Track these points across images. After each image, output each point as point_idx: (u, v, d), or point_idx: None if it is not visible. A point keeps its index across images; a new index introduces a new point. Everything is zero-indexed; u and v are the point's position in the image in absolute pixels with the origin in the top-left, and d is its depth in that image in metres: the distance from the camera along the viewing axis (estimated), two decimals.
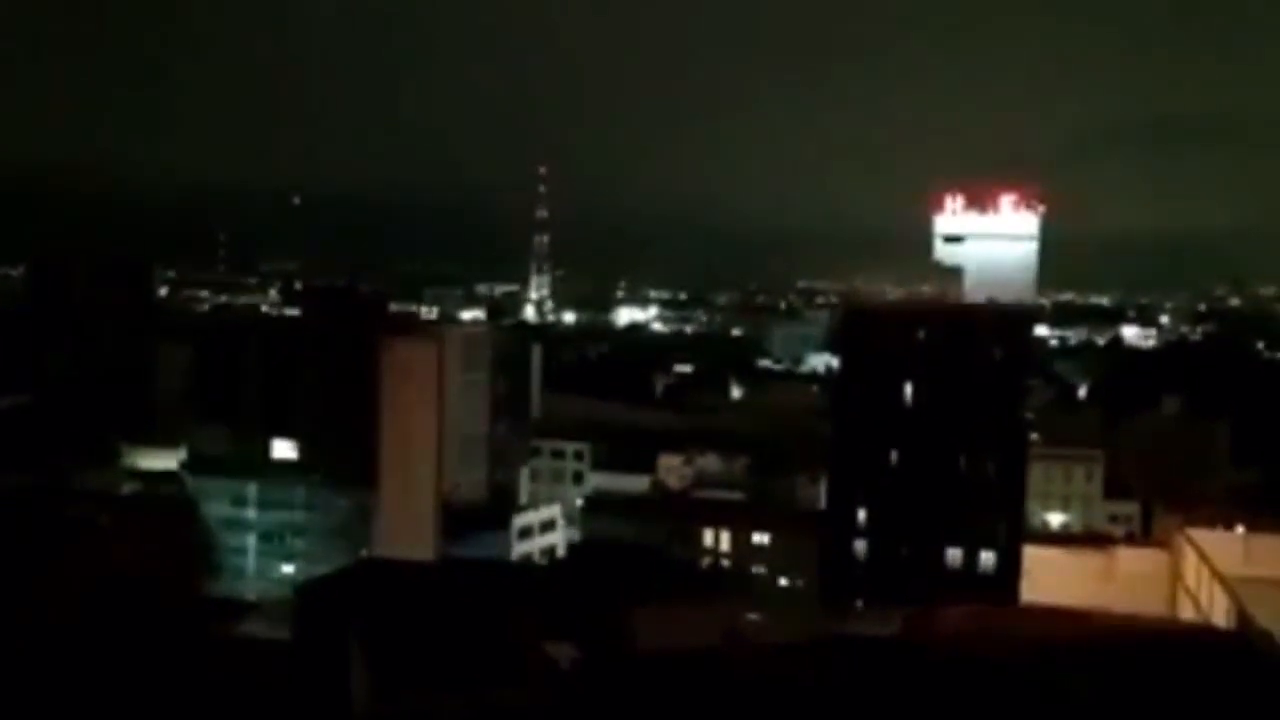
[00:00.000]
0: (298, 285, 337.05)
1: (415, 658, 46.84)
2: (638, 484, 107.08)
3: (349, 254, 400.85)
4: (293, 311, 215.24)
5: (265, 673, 60.17)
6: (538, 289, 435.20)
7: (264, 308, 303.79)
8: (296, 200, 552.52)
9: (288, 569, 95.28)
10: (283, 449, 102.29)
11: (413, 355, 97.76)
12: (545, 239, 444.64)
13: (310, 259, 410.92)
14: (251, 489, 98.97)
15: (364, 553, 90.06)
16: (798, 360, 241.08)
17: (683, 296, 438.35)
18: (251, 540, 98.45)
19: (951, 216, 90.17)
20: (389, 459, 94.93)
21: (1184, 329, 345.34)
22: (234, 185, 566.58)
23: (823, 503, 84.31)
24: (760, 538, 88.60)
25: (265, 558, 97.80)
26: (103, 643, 64.38)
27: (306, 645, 60.82)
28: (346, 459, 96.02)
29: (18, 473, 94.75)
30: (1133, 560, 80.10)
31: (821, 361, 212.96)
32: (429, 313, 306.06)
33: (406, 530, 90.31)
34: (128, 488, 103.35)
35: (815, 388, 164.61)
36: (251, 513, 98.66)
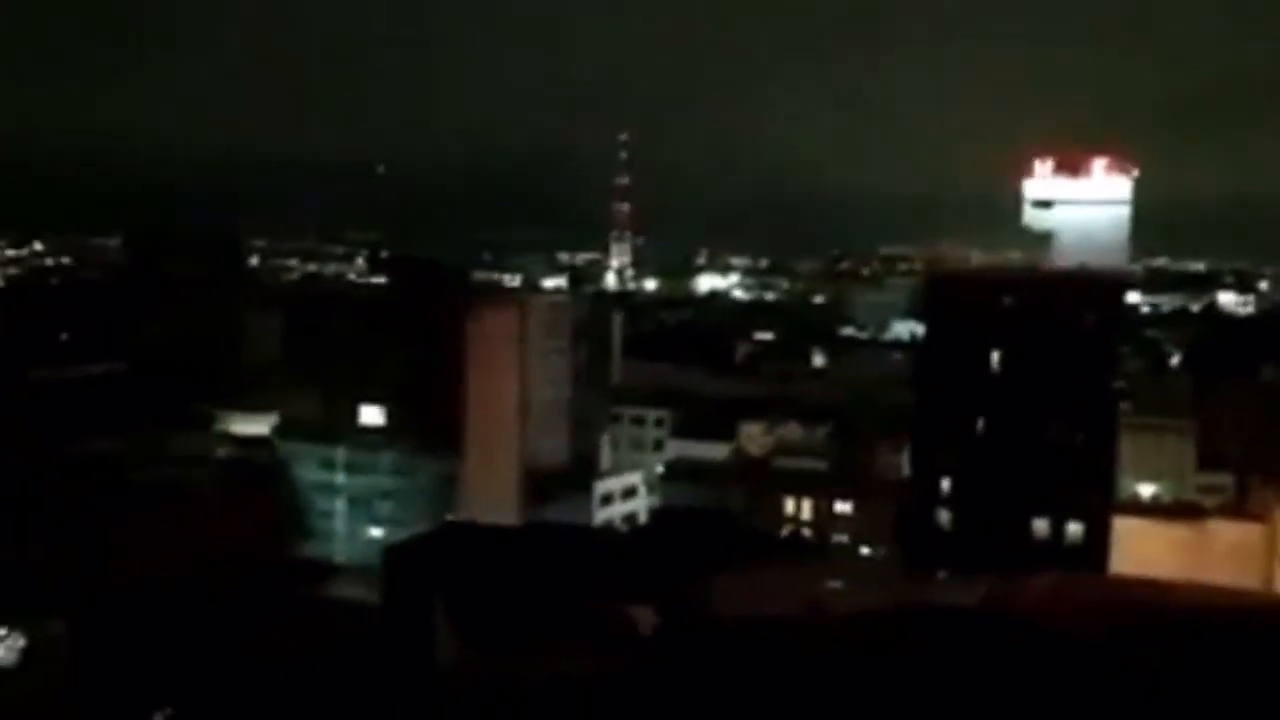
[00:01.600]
0: (383, 254, 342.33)
1: (499, 620, 47.61)
2: (718, 452, 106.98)
3: (434, 223, 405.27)
4: (379, 280, 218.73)
5: (353, 634, 61.66)
6: (619, 256, 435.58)
7: (351, 276, 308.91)
8: (381, 169, 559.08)
9: (375, 532, 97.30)
10: (370, 415, 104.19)
11: (496, 323, 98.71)
12: (626, 206, 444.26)
13: (395, 228, 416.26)
14: (340, 454, 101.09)
15: (449, 517, 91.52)
16: (881, 327, 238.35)
17: (764, 263, 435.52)
18: (340, 504, 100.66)
19: (1041, 181, 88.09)
20: (473, 425, 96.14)
21: None
22: (320, 155, 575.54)
23: (905, 472, 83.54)
24: (842, 506, 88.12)
25: (353, 521, 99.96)
26: (196, 604, 66.40)
27: (393, 607, 62.15)
28: (432, 425, 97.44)
29: (114, 438, 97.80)
30: (1227, 533, 78.23)
31: (906, 329, 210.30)
32: (511, 281, 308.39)
33: (490, 495, 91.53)
34: (221, 452, 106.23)
35: (899, 355, 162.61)
36: (340, 477, 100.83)
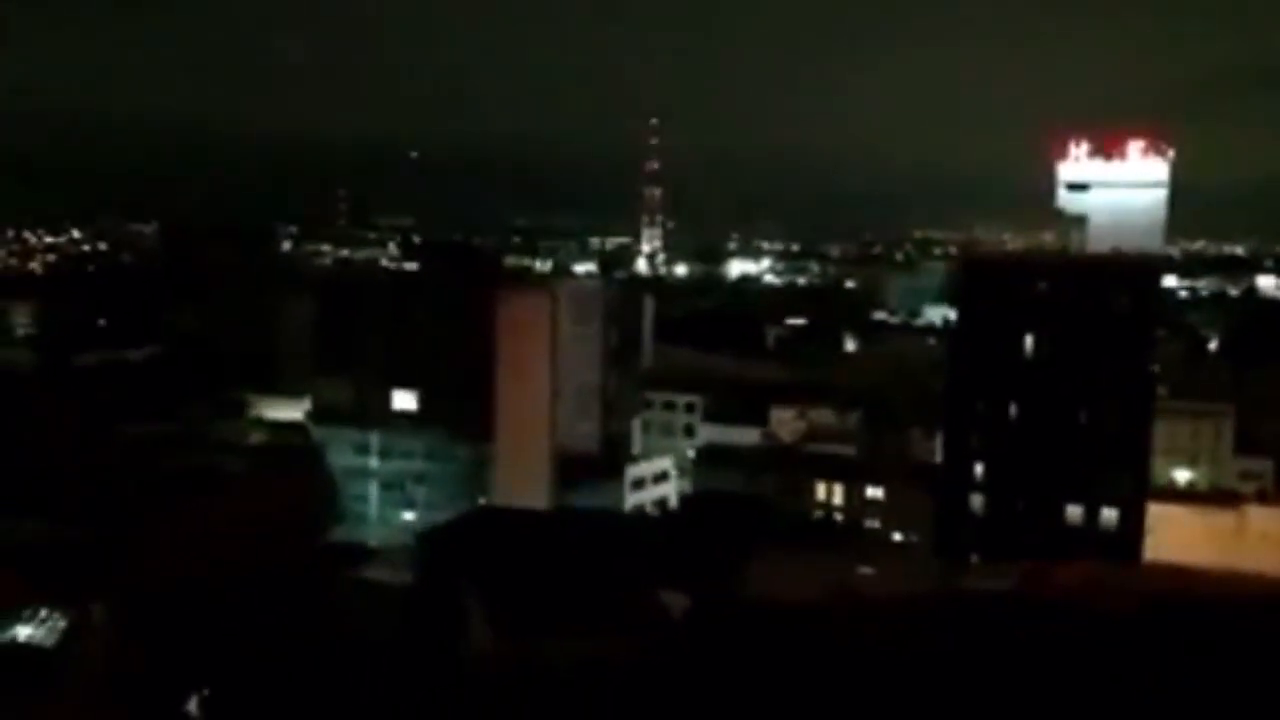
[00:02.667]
0: (415, 240, 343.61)
1: (530, 604, 47.84)
2: (749, 437, 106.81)
3: (465, 208, 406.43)
4: (411, 266, 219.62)
5: (387, 616, 62.12)
6: (650, 242, 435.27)
7: (383, 262, 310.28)
8: (414, 155, 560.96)
9: (408, 516, 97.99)
10: (403, 400, 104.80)
11: (527, 308, 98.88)
12: (657, 192, 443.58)
13: (427, 213, 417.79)
14: (374, 438, 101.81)
15: (481, 501, 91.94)
16: (913, 312, 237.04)
17: (795, 248, 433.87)
18: (374, 488, 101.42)
19: (1076, 163, 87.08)
20: (505, 410, 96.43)
21: None
22: (352, 141, 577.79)
23: (938, 457, 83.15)
24: (874, 491, 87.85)
25: (387, 505, 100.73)
26: (232, 588, 67.11)
27: (426, 590, 62.58)
28: (464, 410, 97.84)
29: (152, 422, 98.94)
30: (1265, 519, 77.47)
31: (938, 314, 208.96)
32: (543, 266, 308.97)
33: (522, 480, 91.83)
34: (256, 437, 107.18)
35: (932, 340, 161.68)
36: (374, 461, 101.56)
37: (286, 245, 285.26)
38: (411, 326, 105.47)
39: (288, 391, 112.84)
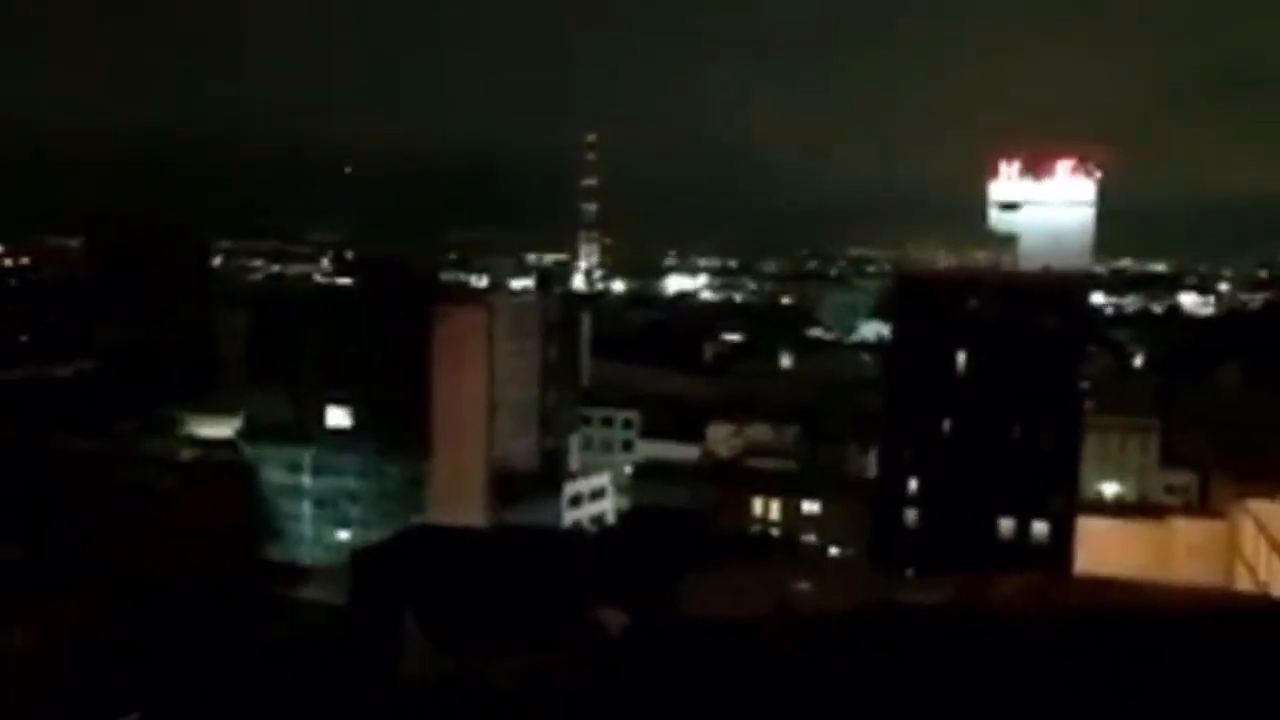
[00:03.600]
0: (349, 255, 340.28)
1: (468, 622, 47.42)
2: (687, 452, 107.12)
3: (400, 224, 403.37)
4: (345, 281, 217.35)
5: (321, 636, 61.24)
6: (587, 258, 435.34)
7: (316, 277, 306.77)
8: (348, 170, 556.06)
9: (343, 535, 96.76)
10: (337, 417, 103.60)
11: (463, 324, 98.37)
12: (594, 207, 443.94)
13: (362, 229, 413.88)
14: (306, 456, 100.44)
15: (417, 519, 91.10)
16: (849, 329, 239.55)
17: (732, 264, 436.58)
18: (307, 507, 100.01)
19: (1006, 182, 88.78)
20: (441, 427, 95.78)
21: (1243, 296, 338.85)
22: (284, 155, 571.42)
23: (873, 472, 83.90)
24: (810, 506, 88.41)
25: (321, 524, 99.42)
26: (164, 608, 65.73)
27: (362, 609, 61.76)
28: (399, 427, 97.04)
29: (81, 438, 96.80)
30: (1189, 531, 79.09)
31: (873, 330, 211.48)
32: (479, 282, 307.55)
33: (458, 497, 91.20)
34: (186, 454, 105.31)
35: (866, 356, 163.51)
36: (307, 479, 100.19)
37: (217, 260, 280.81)
38: (345, 343, 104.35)
39: (219, 408, 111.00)
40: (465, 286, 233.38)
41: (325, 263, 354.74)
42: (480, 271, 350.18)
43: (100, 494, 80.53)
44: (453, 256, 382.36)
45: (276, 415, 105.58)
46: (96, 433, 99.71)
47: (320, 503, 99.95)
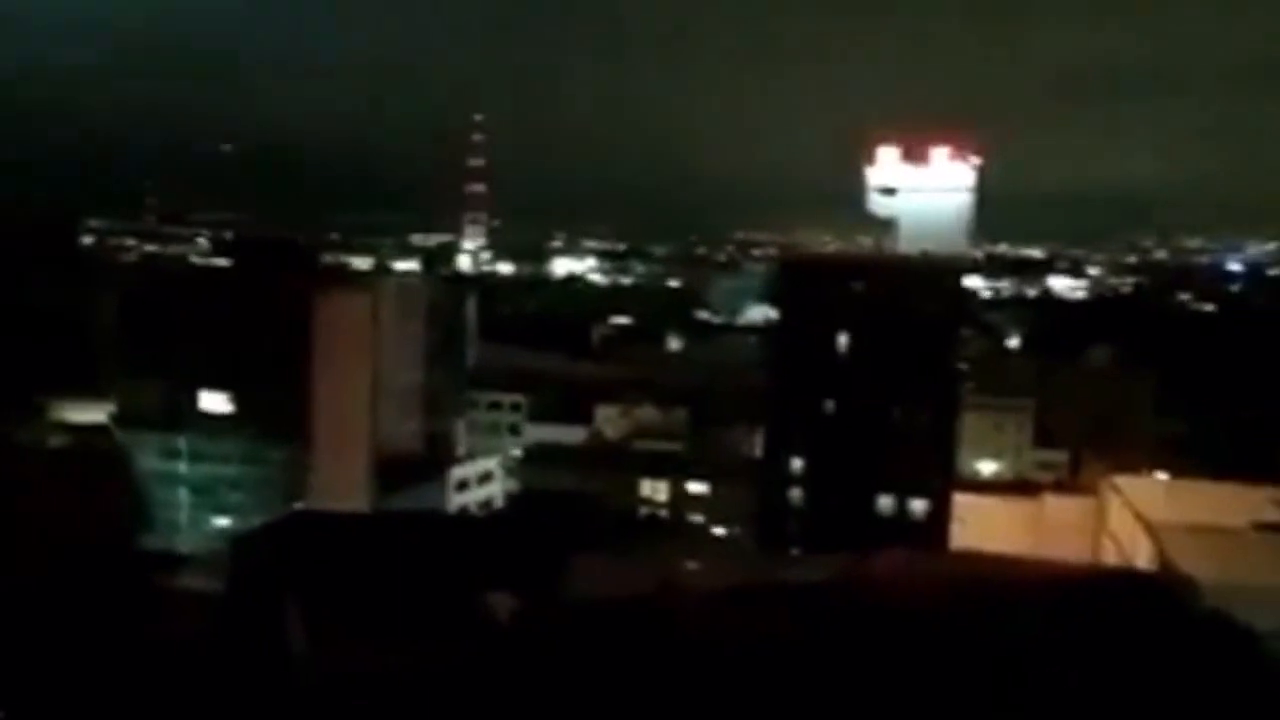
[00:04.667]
0: (227, 236, 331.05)
1: (351, 609, 46.68)
2: (575, 436, 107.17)
3: (281, 204, 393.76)
4: (222, 262, 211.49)
5: (200, 625, 59.67)
6: (473, 240, 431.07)
7: (193, 259, 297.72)
8: (227, 148, 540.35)
9: (221, 522, 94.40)
10: (214, 402, 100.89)
11: (346, 307, 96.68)
12: (481, 189, 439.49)
13: (241, 210, 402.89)
14: (182, 442, 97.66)
15: (299, 505, 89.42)
16: (736, 312, 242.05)
17: (620, 248, 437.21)
18: (184, 494, 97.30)
19: (886, 169, 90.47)
20: (323, 411, 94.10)
21: (1112, 280, 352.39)
22: (159, 135, 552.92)
23: (759, 453, 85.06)
24: (698, 487, 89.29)
25: (198, 511, 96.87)
26: (31, 598, 63.38)
27: (242, 598, 60.33)
28: (280, 411, 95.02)
29: None
30: (1060, 507, 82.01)
31: (760, 313, 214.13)
32: (362, 264, 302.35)
33: (341, 483, 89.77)
34: (56, 441, 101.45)
35: (754, 339, 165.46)
36: (183, 466, 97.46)
37: (88, 240, 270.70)
38: (224, 325, 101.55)
39: (90, 393, 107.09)
40: (348, 268, 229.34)
41: (202, 243, 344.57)
42: (364, 253, 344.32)
43: None
44: (335, 238, 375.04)
45: (151, 400, 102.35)
46: None
47: (198, 490, 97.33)
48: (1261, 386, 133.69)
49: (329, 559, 57.23)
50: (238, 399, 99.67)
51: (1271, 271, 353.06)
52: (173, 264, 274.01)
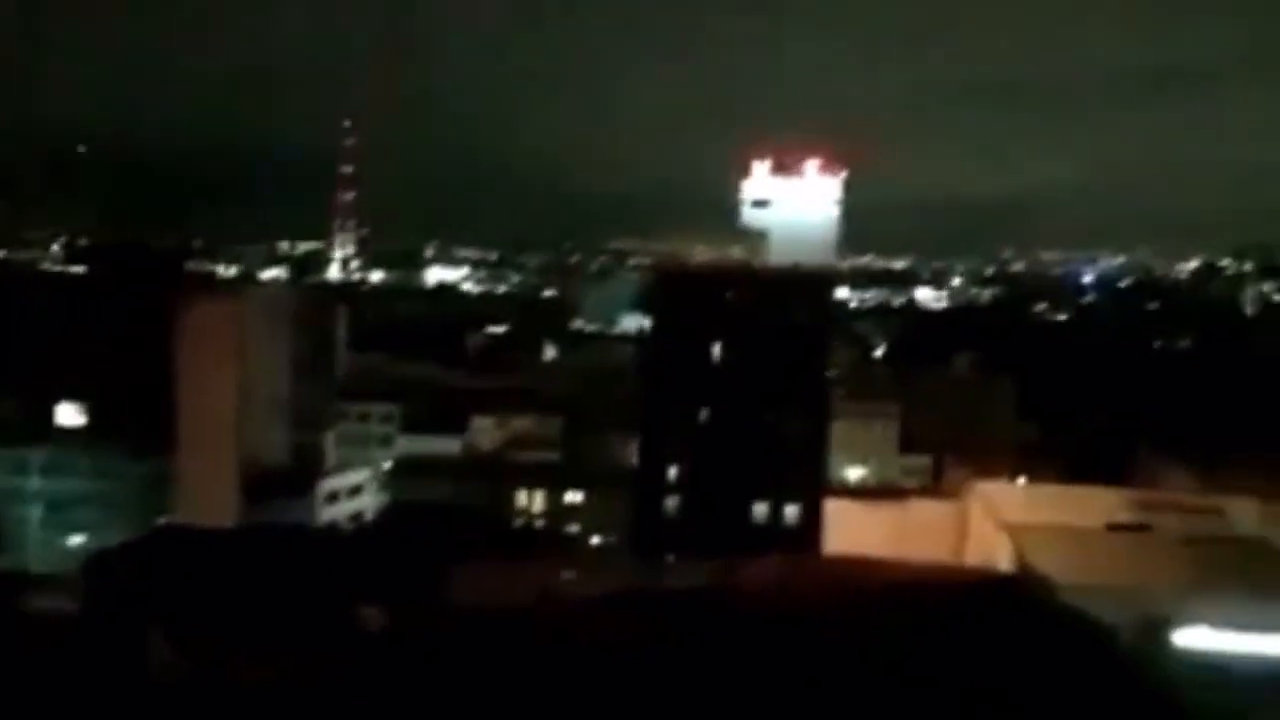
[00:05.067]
0: (83, 241, 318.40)
1: (217, 626, 45.34)
2: (449, 446, 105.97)
3: (141, 208, 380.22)
4: (78, 269, 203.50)
5: (56, 646, 57.13)
6: (343, 247, 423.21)
7: (45, 265, 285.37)
8: (82, 149, 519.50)
9: (78, 540, 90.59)
10: (71, 414, 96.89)
11: (210, 315, 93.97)
12: (351, 195, 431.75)
13: (99, 213, 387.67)
14: (34, 456, 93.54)
15: (161, 520, 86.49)
16: (611, 321, 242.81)
17: (494, 256, 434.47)
18: (36, 511, 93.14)
19: (758, 181, 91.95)
20: (186, 423, 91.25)
21: (973, 291, 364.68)
22: (8, 136, 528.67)
23: (635, 461, 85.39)
24: (573, 497, 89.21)
25: (51, 529, 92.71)
26: None
27: (99, 617, 58.02)
28: (141, 424, 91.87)
29: None
30: (925, 511, 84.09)
31: (634, 322, 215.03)
32: (228, 271, 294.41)
33: (206, 497, 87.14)
34: None
35: (629, 348, 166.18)
36: (35, 481, 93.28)
37: None
38: (80, 335, 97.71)
39: None
40: (213, 275, 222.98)
41: (55, 249, 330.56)
42: (229, 260, 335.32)
43: None
44: (199, 244, 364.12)
45: (1, 413, 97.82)
46: None
47: (52, 506, 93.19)
48: (1112, 393, 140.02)
49: (194, 575, 55.54)
50: (96, 411, 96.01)
51: (1122, 283, 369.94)
52: (22, 270, 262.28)
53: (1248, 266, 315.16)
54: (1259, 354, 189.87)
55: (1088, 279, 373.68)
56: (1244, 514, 71.84)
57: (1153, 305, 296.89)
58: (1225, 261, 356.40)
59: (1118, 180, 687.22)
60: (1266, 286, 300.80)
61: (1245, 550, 64.59)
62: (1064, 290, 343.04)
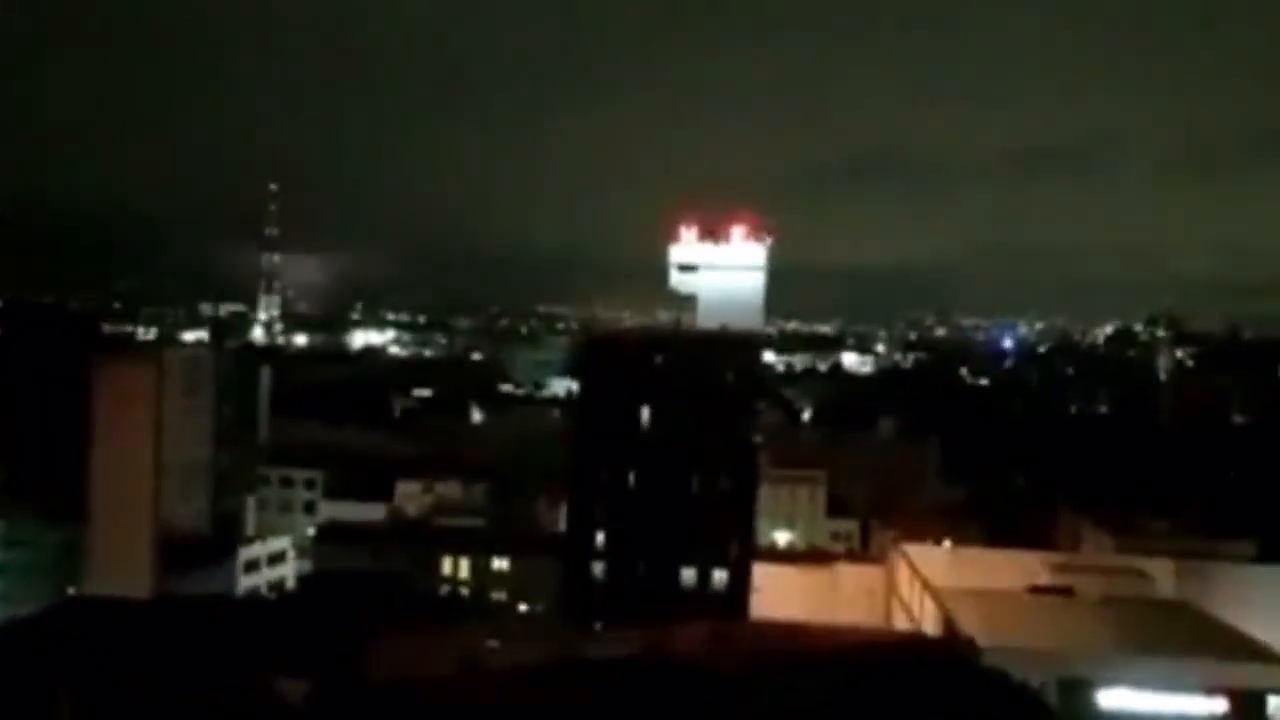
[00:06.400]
0: None
1: (130, 701, 43.80)
2: (374, 512, 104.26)
3: (58, 270, 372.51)
4: None
5: None
6: (267, 309, 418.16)
7: None
8: None
9: None
10: None
11: (128, 378, 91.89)
12: (275, 257, 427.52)
13: (14, 274, 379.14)
14: None
15: (71, 591, 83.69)
16: (539, 385, 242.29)
17: (421, 320, 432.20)
18: None
19: (685, 246, 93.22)
20: (101, 489, 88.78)
21: (897, 356, 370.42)
22: None
23: (563, 526, 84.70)
24: (500, 563, 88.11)
25: None
26: None
27: (5, 689, 55.72)
28: (54, 490, 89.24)
29: None
30: (853, 575, 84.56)
31: (562, 386, 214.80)
32: (146, 333, 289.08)
33: (121, 566, 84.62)
34: None
35: (556, 412, 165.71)
36: None
37: None
38: None
39: None
40: (130, 338, 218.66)
41: None
42: (148, 322, 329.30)
43: None
44: (117, 306, 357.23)
45: None
46: None
47: None
48: (1033, 456, 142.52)
49: (105, 648, 53.66)
50: (8, 476, 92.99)
51: (1040, 348, 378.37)
52: None
53: (1161, 333, 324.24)
54: (1172, 417, 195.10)
55: (1008, 344, 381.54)
56: (1161, 574, 73.27)
57: (1070, 370, 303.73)
58: (1139, 327, 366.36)
59: (1034, 248, 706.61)
60: (1180, 352, 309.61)
61: (1164, 612, 65.78)
62: (986, 355, 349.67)
